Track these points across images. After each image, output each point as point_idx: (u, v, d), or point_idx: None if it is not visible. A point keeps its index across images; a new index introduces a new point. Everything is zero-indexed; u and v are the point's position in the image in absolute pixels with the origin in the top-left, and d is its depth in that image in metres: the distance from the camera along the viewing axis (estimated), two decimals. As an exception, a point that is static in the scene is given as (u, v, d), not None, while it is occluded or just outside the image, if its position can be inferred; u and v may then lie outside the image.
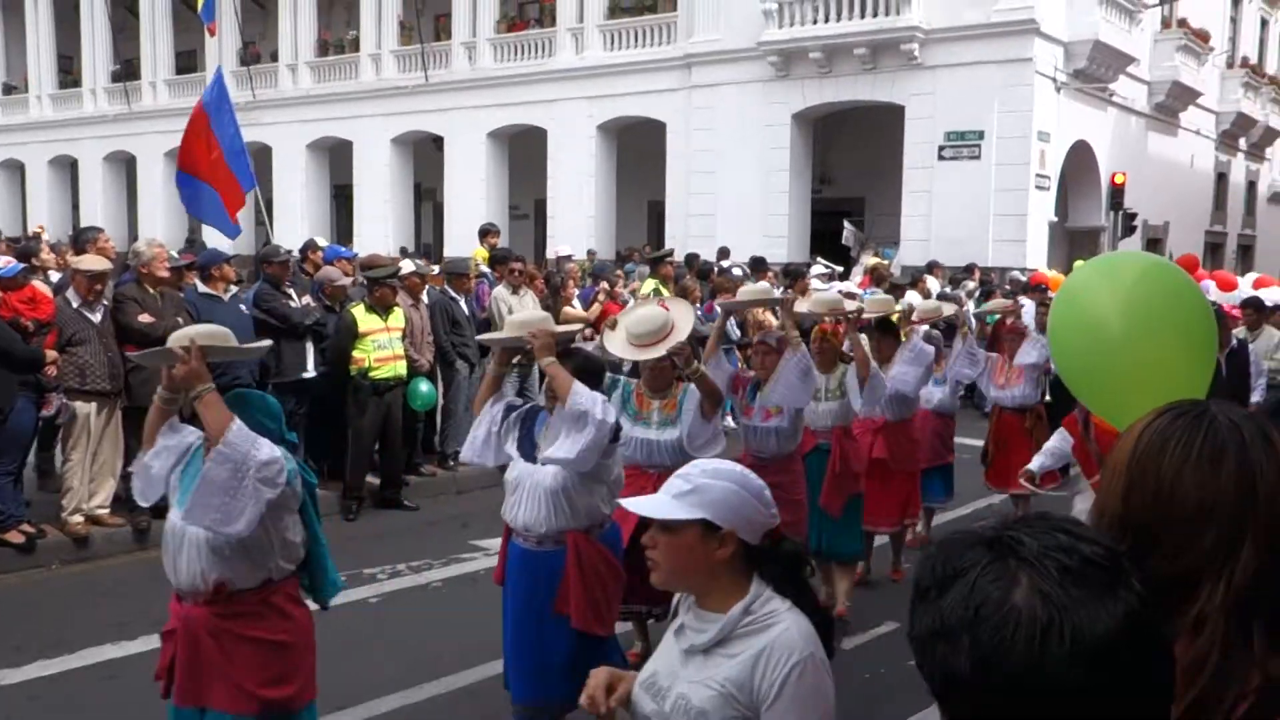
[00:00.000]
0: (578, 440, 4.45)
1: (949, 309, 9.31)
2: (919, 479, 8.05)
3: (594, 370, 4.92)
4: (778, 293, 8.89)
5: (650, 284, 13.52)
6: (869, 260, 19.10)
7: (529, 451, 4.73)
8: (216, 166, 10.81)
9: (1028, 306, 12.89)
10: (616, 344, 5.72)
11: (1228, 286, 15.45)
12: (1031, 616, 1.14)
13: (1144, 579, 1.20)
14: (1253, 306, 11.71)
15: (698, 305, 12.44)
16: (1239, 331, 10.82)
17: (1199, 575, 1.63)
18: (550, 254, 18.72)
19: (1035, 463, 6.60)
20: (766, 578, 2.44)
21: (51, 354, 7.78)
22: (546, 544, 4.66)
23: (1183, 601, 1.63)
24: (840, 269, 18.53)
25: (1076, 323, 2.86)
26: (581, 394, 4.51)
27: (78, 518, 8.13)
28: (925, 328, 8.94)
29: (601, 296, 11.92)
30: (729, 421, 7.67)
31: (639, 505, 2.47)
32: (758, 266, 15.96)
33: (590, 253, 15.74)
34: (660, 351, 5.55)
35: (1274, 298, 13.70)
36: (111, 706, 5.73)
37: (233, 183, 10.87)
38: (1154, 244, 27.22)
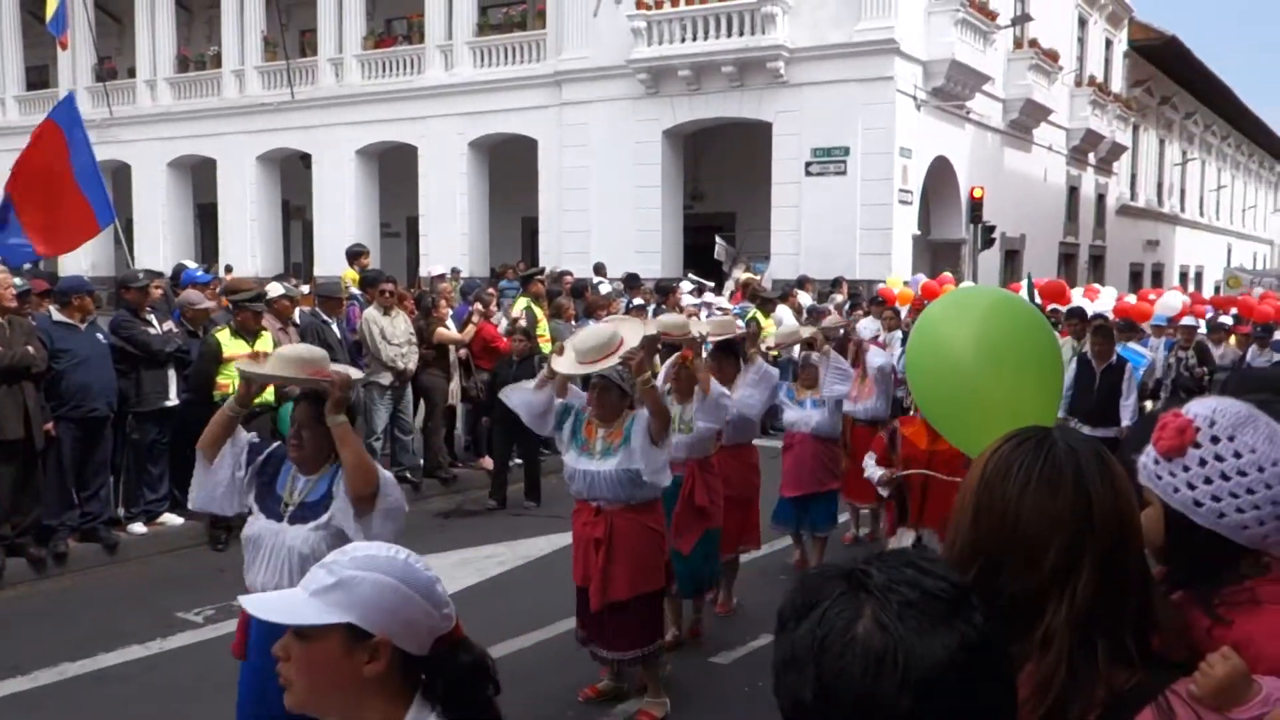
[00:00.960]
0: (386, 534, 3.87)
1: (807, 331, 9.20)
2: (756, 507, 7.60)
3: (351, 418, 4.27)
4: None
5: (522, 302, 13.46)
6: (741, 275, 19.38)
7: (272, 506, 4.15)
8: (65, 189, 10.27)
9: (866, 321, 13.16)
10: (564, 364, 5.67)
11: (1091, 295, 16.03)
12: (868, 646, 1.19)
13: (990, 612, 1.25)
14: (1077, 317, 12.17)
15: (572, 323, 12.45)
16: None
17: (1044, 596, 1.71)
18: (424, 273, 18.50)
19: (874, 474, 6.49)
20: (433, 698, 1.90)
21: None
22: None
23: (1031, 621, 1.71)
24: (712, 284, 18.75)
25: (932, 354, 2.96)
26: (390, 481, 4.06)
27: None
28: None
29: (476, 317, 11.83)
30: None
31: (263, 603, 1.92)
32: (631, 283, 16.05)
33: (455, 270, 15.57)
34: (611, 362, 5.51)
35: (1102, 307, 14.35)
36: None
37: (84, 210, 10.35)
38: (1012, 255, 28.29)
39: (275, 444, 4.35)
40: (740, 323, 9.08)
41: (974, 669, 1.20)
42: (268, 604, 1.92)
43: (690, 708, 6.07)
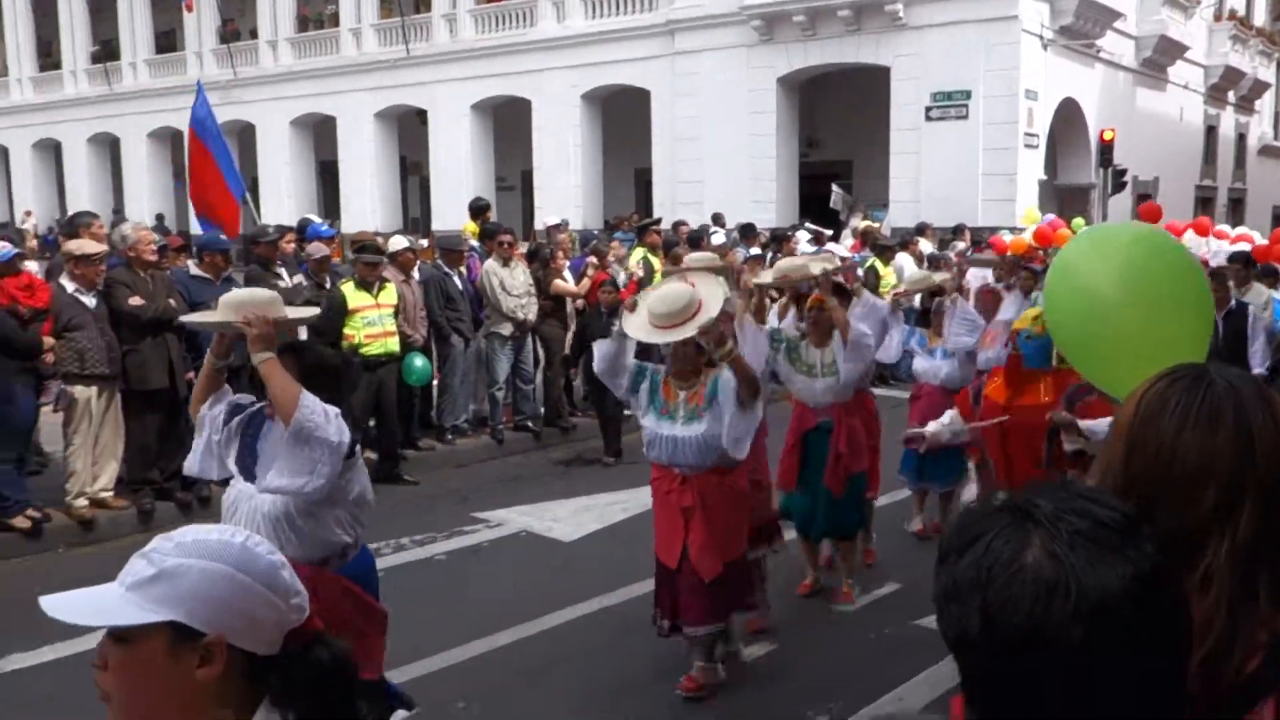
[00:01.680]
0: (302, 465, 3.69)
1: (939, 277, 8.88)
2: (877, 454, 7.30)
3: (327, 371, 4.03)
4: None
5: (638, 253, 13.54)
6: (858, 223, 19.11)
7: (249, 466, 3.93)
8: (214, 181, 10.83)
9: (975, 272, 12.69)
10: (636, 326, 5.30)
11: (1203, 231, 15.34)
12: (1038, 576, 1.18)
13: (1159, 543, 1.25)
14: (1240, 261, 11.59)
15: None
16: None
17: (1203, 535, 1.68)
18: (539, 225, 18.68)
19: (931, 427, 6.28)
20: (284, 703, 1.59)
21: (49, 340, 7.81)
22: None
23: (1189, 561, 1.69)
24: (829, 232, 18.56)
25: (1071, 293, 2.90)
26: (309, 406, 3.71)
27: (82, 501, 8.18)
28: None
29: (591, 270, 11.91)
30: None
31: (68, 604, 1.58)
32: (746, 233, 15.97)
33: (564, 222, 15.58)
34: (688, 332, 5.17)
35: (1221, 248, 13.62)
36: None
37: (226, 193, 10.89)
38: (1144, 199, 27.24)
39: (260, 403, 4.06)
40: (935, 276, 8.77)
41: (1147, 599, 1.19)
42: (73, 604, 1.58)
43: (814, 654, 6.11)
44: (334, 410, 3.80)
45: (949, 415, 6.25)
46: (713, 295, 5.31)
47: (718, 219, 19.53)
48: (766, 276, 7.23)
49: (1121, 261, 2.81)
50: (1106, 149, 22.52)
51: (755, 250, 14.51)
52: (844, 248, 15.84)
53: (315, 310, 4.88)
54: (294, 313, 4.39)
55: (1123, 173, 22.78)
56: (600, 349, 5.57)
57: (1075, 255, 3.04)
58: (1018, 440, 5.55)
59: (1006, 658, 1.19)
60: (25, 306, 7.92)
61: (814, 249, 15.60)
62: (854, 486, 6.79)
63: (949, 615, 1.25)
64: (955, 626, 1.24)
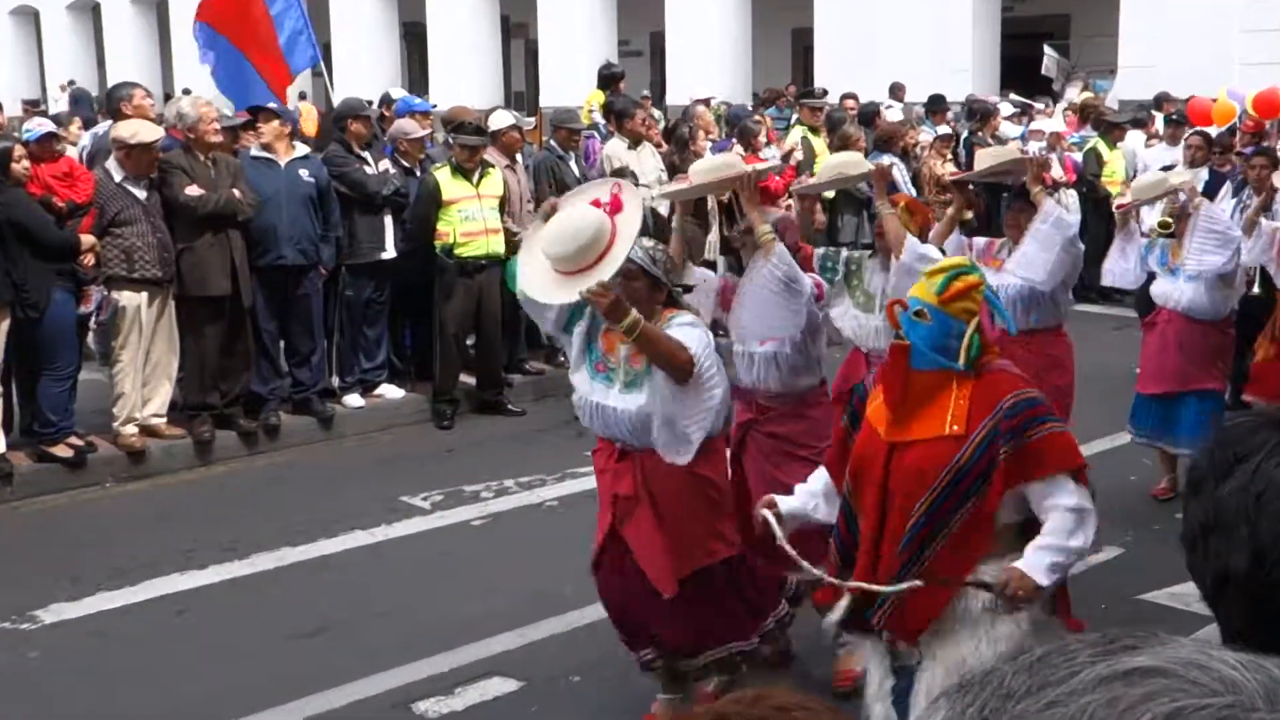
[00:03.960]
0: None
1: (1178, 178, 8.31)
2: (1067, 414, 6.52)
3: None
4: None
5: (797, 132, 13.39)
6: (1077, 94, 18.56)
7: None
8: (258, 29, 10.71)
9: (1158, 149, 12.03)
10: (531, 277, 4.88)
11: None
12: None
13: None
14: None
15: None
16: None
17: None
18: (677, 99, 18.64)
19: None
20: None
21: (89, 239, 8.07)
22: None
23: None
24: (1041, 105, 18.07)
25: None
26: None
27: (131, 429, 8.52)
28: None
29: (738, 150, 11.80)
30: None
31: None
32: (935, 106, 15.66)
33: (695, 102, 15.32)
34: (598, 277, 4.57)
35: None
36: (182, 645, 6.09)
37: (276, 57, 10.81)
38: None
39: None
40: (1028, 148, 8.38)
41: None
42: None
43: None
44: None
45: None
46: (630, 218, 4.79)
47: (895, 90, 19.19)
48: (984, 162, 7.04)
49: None
50: None
51: (944, 129, 14.21)
52: (1058, 124, 15.42)
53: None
54: None
55: None
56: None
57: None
58: None
59: (1277, 600, 1.20)
60: (64, 199, 8.21)
61: (1021, 128, 15.24)
62: None
63: (1207, 551, 1.26)
64: (1215, 564, 1.24)
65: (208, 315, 8.65)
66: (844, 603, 4.09)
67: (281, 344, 9.32)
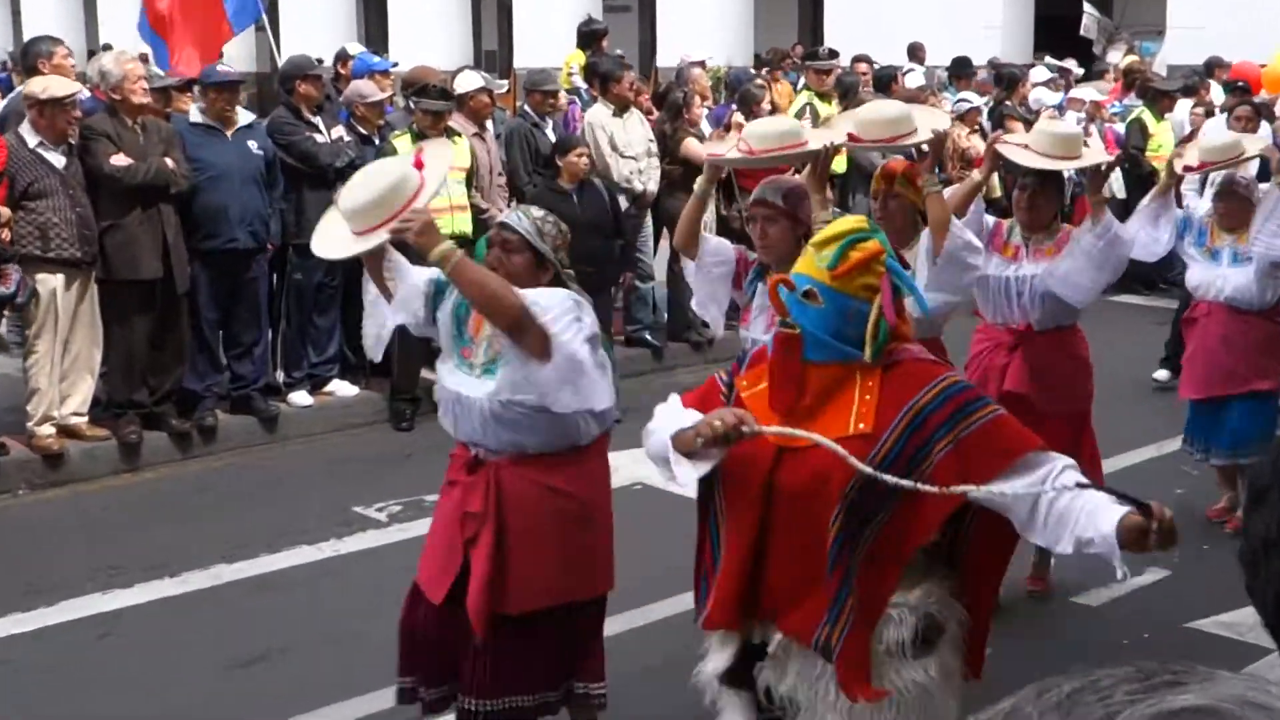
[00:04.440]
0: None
1: (1253, 143, 8.10)
2: (1088, 422, 6.65)
3: None
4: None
5: (802, 98, 13.37)
6: (1121, 58, 18.56)
7: None
8: None
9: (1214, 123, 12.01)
10: (324, 233, 4.96)
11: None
12: None
13: None
14: None
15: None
16: None
17: None
18: (667, 60, 18.58)
19: None
20: None
21: (4, 212, 8.01)
22: None
23: None
24: (1080, 71, 18.08)
25: None
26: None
27: (48, 429, 8.47)
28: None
29: (735, 120, 11.78)
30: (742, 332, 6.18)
31: None
32: (960, 70, 15.65)
33: (690, 64, 15.21)
34: (381, 237, 4.64)
35: None
36: (104, 674, 6.05)
37: (218, 13, 10.78)
38: None
39: None
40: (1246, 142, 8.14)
41: None
42: None
43: (1050, 660, 6.04)
44: None
45: None
46: (435, 166, 4.85)
47: (915, 52, 19.17)
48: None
49: None
50: None
51: (972, 96, 14.18)
52: (1099, 91, 15.42)
53: None
54: None
55: None
56: None
57: None
58: None
59: None
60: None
61: (1058, 97, 15.22)
62: None
63: (1269, 571, 1.24)
64: (1276, 585, 1.23)
65: (136, 301, 8.59)
66: (732, 647, 3.91)
67: (220, 334, 9.26)
